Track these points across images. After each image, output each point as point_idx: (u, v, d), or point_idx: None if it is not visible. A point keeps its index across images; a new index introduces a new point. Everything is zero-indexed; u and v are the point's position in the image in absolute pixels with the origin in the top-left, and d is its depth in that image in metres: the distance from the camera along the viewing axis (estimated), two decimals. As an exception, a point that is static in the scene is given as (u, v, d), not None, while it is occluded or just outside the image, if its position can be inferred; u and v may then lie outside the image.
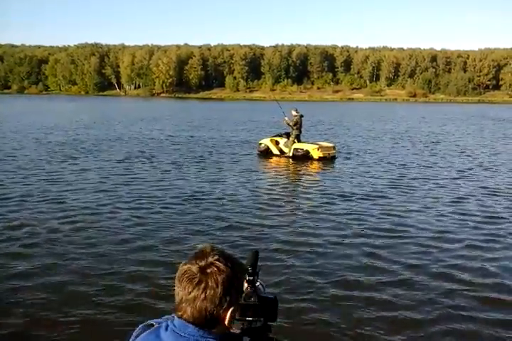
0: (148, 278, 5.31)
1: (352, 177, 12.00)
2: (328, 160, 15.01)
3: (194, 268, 1.20)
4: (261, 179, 12.06)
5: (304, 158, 14.89)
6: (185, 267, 1.22)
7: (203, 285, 1.18)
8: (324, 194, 9.98)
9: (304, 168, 13.94)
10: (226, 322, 1.22)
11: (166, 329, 1.21)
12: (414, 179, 11.82)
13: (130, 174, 11.85)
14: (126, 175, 11.74)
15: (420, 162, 14.77)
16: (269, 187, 10.96)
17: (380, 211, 8.51)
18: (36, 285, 5.07)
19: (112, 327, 4.20)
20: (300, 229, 7.37)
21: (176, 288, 1.22)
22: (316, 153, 14.85)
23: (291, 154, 15.20)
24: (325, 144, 15.72)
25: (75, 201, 8.80)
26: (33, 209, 8.07)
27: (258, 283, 1.42)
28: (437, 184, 11.27)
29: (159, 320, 1.30)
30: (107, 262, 5.77)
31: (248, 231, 7.13)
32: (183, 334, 1.18)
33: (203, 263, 1.20)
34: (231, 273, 1.22)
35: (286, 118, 15.07)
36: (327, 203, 9.13)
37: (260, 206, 8.86)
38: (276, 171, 13.71)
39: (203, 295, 1.17)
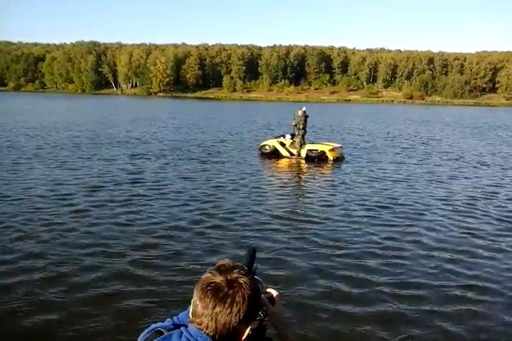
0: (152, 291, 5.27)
1: (365, 184, 11.68)
2: (340, 160, 14.98)
3: (219, 280, 1.17)
4: (286, 187, 11.17)
5: (318, 159, 14.73)
6: (209, 279, 1.19)
7: (229, 299, 1.15)
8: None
9: (332, 173, 13.36)
10: (244, 338, 1.20)
11: (180, 337, 1.19)
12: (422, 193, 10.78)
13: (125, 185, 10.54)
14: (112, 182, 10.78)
15: (428, 173, 13.73)
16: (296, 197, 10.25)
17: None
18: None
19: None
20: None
21: (196, 298, 1.19)
22: (331, 154, 14.81)
23: (303, 155, 15.03)
24: (334, 145, 15.66)
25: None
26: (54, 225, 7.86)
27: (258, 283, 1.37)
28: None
29: (166, 324, 1.28)
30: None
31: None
32: None
33: (228, 277, 1.18)
34: (255, 288, 1.22)
35: (295, 120, 15.03)
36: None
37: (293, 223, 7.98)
38: (300, 177, 12.89)
39: (228, 310, 1.15)
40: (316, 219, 8.10)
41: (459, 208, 9.24)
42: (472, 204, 9.54)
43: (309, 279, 5.50)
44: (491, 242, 7.11)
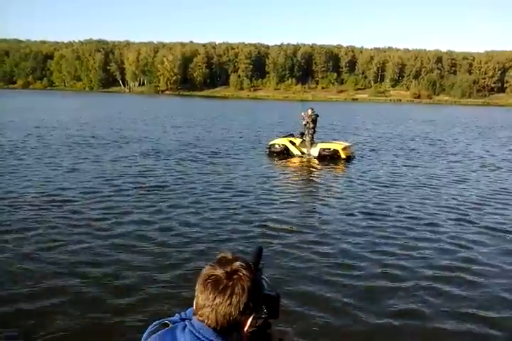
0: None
1: (373, 188, 11.44)
2: (351, 159, 15.00)
3: (219, 273, 1.20)
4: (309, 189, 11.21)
5: (330, 158, 14.72)
6: (209, 272, 1.21)
7: (229, 291, 1.18)
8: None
9: (343, 175, 13.09)
10: (246, 329, 1.23)
11: (184, 330, 1.21)
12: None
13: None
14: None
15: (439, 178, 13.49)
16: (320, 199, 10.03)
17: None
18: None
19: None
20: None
21: (197, 292, 1.22)
22: (344, 153, 14.83)
23: (315, 154, 14.97)
24: (346, 143, 15.67)
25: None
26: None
27: (262, 280, 1.40)
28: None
29: (173, 318, 1.30)
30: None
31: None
32: (201, 337, 1.18)
33: (228, 268, 1.20)
34: (255, 279, 1.24)
35: (305, 119, 14.96)
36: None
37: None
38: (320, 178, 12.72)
39: (228, 301, 1.17)
40: (323, 226, 7.83)
41: (469, 216, 8.77)
42: (480, 209, 9.27)
43: (308, 287, 5.37)
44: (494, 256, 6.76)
